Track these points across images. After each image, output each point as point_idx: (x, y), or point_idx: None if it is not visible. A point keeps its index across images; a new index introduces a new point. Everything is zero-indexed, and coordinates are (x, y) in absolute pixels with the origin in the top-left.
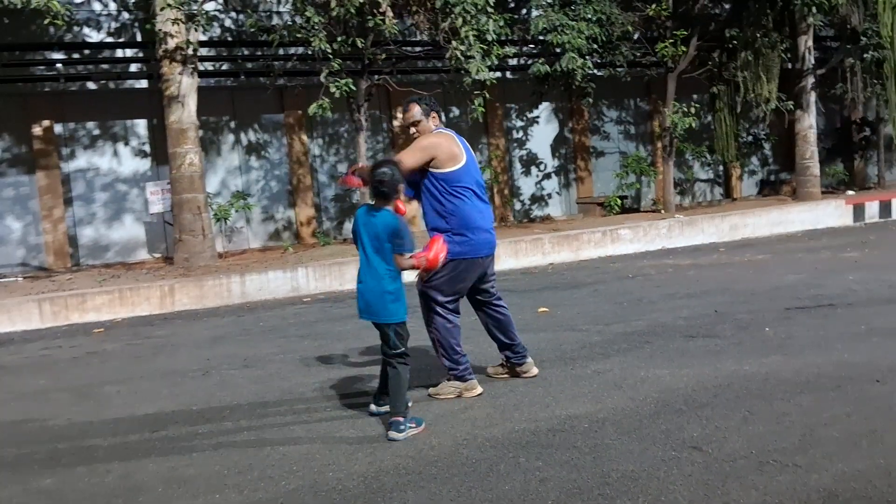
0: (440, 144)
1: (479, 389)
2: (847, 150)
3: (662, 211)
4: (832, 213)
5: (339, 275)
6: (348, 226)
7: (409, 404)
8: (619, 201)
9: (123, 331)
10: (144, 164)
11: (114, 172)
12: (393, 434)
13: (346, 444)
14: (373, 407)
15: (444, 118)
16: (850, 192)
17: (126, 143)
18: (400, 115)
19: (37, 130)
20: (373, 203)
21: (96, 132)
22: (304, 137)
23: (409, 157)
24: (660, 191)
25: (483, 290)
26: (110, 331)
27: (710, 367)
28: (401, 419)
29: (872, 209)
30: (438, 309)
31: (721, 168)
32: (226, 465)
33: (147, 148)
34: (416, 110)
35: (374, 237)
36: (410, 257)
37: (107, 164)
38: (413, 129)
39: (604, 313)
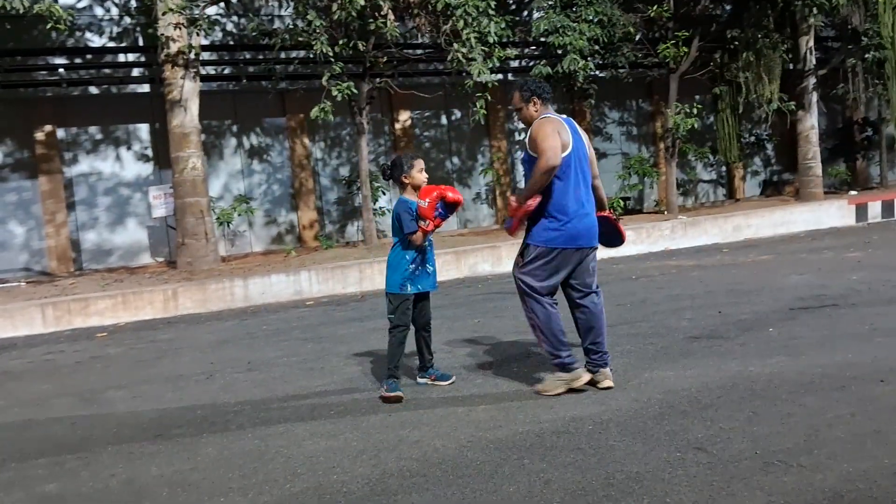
0: (545, 131)
1: (587, 377)
2: (849, 150)
3: (665, 212)
4: (835, 214)
5: (342, 278)
6: (351, 229)
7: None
8: (621, 203)
9: (127, 335)
10: (147, 169)
11: (116, 177)
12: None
13: (351, 446)
14: (418, 378)
15: (550, 98)
16: (853, 192)
17: (128, 148)
18: (401, 118)
19: (39, 135)
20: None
21: (99, 137)
22: (306, 141)
23: (545, 139)
24: (662, 192)
25: (571, 286)
26: (114, 335)
27: (714, 367)
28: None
29: (875, 209)
30: (534, 294)
31: (724, 169)
32: (230, 468)
33: (149, 152)
34: (516, 98)
35: (392, 221)
36: (415, 232)
37: (109, 168)
38: (517, 116)
39: (607, 315)
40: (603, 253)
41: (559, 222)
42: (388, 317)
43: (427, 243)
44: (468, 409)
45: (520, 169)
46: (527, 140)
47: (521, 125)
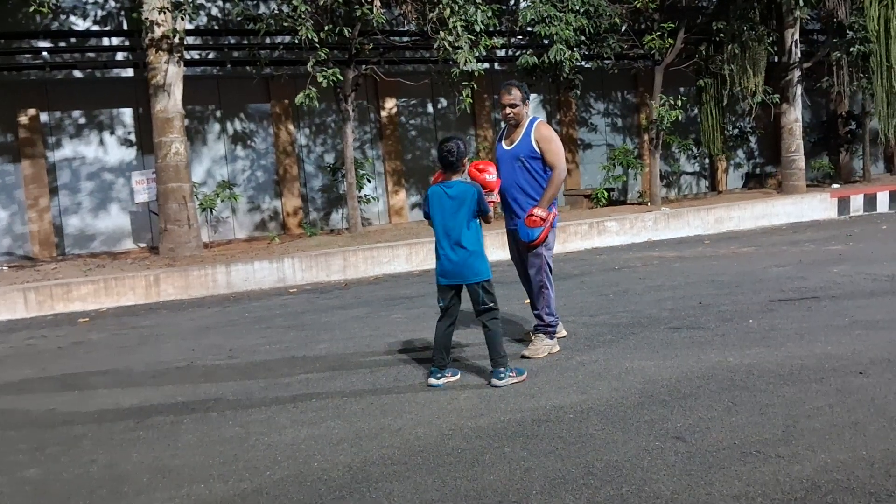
0: (557, 139)
1: (558, 347)
2: (833, 143)
3: (648, 203)
4: (817, 207)
5: (326, 265)
6: (335, 216)
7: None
8: (605, 193)
9: (108, 321)
10: (130, 154)
11: (99, 161)
12: (494, 381)
13: (332, 434)
14: (431, 380)
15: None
16: (835, 186)
17: (112, 132)
18: (387, 106)
19: (22, 119)
20: (444, 178)
21: (82, 121)
22: (291, 127)
23: (560, 152)
24: (646, 183)
25: None
26: (95, 321)
27: (694, 358)
28: (501, 368)
29: (857, 202)
30: (550, 264)
31: (707, 161)
32: (211, 455)
33: (133, 137)
34: (518, 95)
35: (454, 207)
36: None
37: (92, 153)
38: (509, 111)
39: (589, 305)
40: (586, 244)
41: (554, 203)
42: (487, 307)
43: None
44: (450, 397)
45: None
46: (534, 139)
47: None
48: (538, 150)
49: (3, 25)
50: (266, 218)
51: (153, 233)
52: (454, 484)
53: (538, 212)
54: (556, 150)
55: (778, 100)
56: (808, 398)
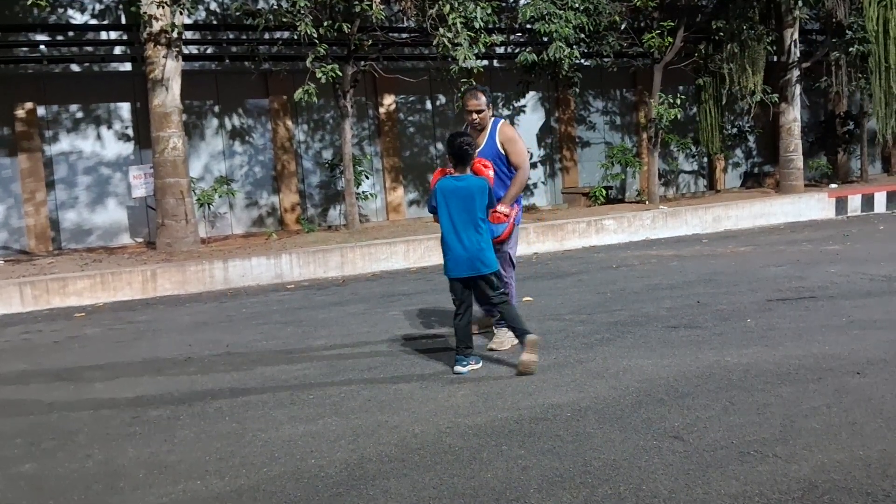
0: (521, 140)
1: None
2: (831, 143)
3: (647, 202)
4: (815, 206)
5: (324, 262)
6: (333, 213)
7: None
8: (604, 192)
9: (105, 315)
10: (127, 148)
11: (97, 156)
12: (524, 355)
13: (329, 431)
14: (458, 367)
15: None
16: (833, 186)
17: (109, 127)
18: (385, 102)
19: (19, 113)
20: (455, 172)
21: (79, 115)
22: (289, 123)
23: (524, 152)
24: (644, 182)
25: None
26: (92, 315)
27: (691, 357)
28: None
29: (855, 202)
30: (514, 263)
31: (705, 160)
32: (207, 451)
33: (130, 131)
34: (483, 100)
35: (468, 199)
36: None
37: (90, 147)
38: (475, 116)
39: (587, 303)
40: (584, 242)
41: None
42: (501, 291)
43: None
44: (448, 394)
45: None
46: (499, 140)
47: (507, 112)
48: (503, 152)
49: (1, 19)
50: (264, 214)
51: (150, 228)
52: (451, 481)
53: (501, 208)
54: (520, 151)
55: (776, 99)
56: (806, 398)
